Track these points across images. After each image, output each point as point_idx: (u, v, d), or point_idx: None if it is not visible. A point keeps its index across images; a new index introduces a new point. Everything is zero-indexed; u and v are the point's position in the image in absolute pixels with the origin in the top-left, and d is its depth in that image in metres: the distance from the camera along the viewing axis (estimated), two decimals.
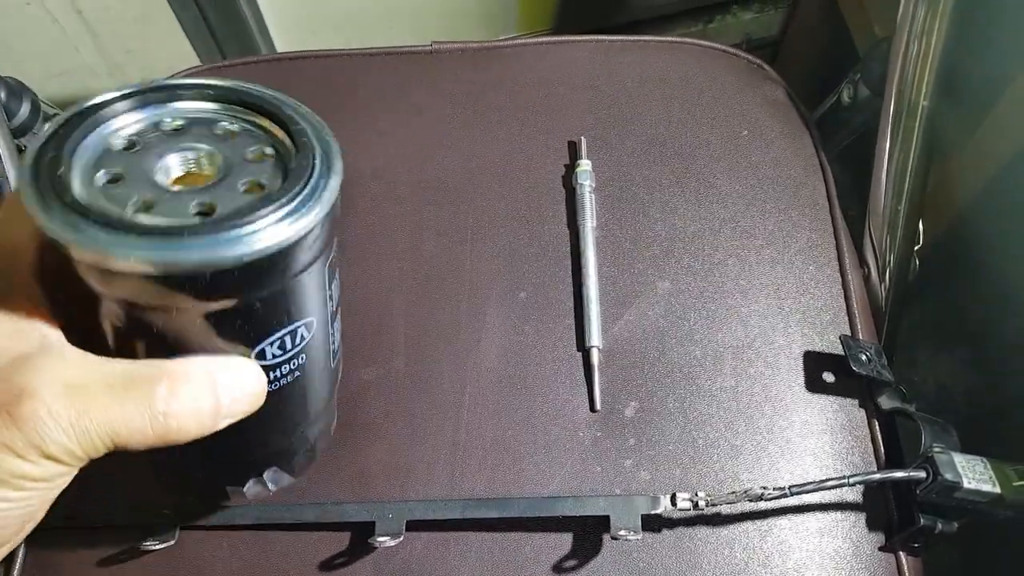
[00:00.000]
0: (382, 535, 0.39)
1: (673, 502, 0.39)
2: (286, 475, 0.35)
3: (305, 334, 0.28)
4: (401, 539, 0.39)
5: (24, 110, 0.56)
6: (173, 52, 0.83)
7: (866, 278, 0.48)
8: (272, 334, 0.26)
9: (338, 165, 0.24)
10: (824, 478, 0.38)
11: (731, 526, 0.41)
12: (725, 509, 0.40)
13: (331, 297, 0.29)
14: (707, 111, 0.52)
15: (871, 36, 0.70)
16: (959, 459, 0.38)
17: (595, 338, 0.45)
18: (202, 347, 0.24)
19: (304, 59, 0.56)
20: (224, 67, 0.56)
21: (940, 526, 0.39)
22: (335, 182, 0.24)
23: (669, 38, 0.56)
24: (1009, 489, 0.38)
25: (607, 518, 0.39)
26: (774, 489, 0.38)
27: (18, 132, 0.57)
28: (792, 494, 0.37)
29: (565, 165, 0.51)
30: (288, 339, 0.27)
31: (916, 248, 0.48)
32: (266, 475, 0.34)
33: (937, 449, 0.38)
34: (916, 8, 0.44)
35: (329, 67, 0.56)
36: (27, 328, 0.23)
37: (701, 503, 0.38)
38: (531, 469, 0.42)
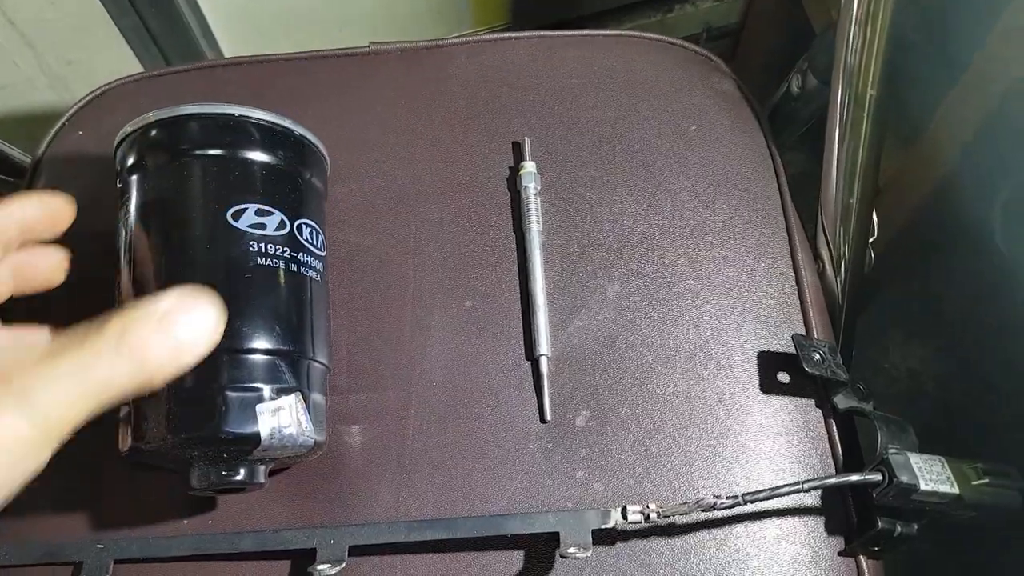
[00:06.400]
0: (323, 563, 0.37)
1: (624, 515, 0.37)
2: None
3: (320, 238, 0.38)
4: (343, 566, 0.37)
5: None
6: (115, 61, 0.80)
7: (821, 273, 0.47)
8: (303, 215, 0.37)
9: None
10: (778, 484, 0.37)
11: (686, 536, 0.39)
12: (679, 519, 0.39)
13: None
14: (655, 106, 0.51)
15: (829, 23, 0.68)
16: (916, 460, 0.36)
17: (544, 346, 0.44)
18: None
19: (238, 65, 0.54)
20: (155, 76, 0.54)
21: (900, 528, 0.38)
22: None
23: (614, 31, 0.54)
24: (968, 488, 0.37)
25: (557, 534, 0.37)
26: (727, 498, 0.36)
27: None
28: (745, 502, 0.36)
29: (509, 167, 0.49)
30: (313, 232, 0.37)
31: (871, 240, 0.47)
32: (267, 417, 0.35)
33: (893, 450, 0.37)
34: None
35: (265, 72, 0.54)
36: None
37: (653, 515, 0.37)
38: (480, 485, 0.41)
